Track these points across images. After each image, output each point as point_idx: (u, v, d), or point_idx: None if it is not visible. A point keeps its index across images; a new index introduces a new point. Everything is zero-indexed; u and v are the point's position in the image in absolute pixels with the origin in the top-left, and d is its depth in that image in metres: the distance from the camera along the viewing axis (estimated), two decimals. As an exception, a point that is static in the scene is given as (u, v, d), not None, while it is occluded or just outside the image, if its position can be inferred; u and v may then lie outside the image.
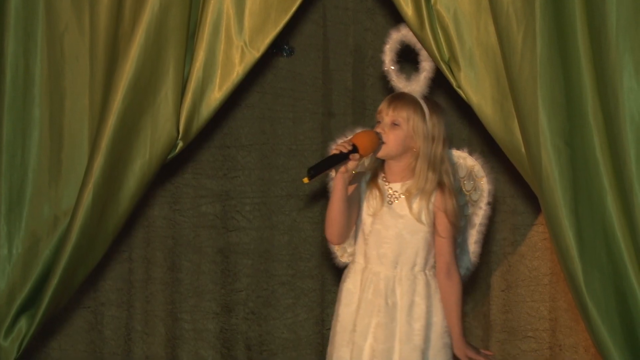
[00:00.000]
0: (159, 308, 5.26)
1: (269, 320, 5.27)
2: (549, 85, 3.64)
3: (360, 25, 5.15)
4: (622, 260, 3.64)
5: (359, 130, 3.81)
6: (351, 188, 3.82)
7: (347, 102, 5.21)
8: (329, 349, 3.92)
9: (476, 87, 3.83)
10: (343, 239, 3.86)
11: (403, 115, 3.81)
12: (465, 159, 3.95)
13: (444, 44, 3.85)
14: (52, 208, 4.09)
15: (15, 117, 4.07)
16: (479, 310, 5.17)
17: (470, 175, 3.95)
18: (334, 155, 3.67)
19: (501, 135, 3.82)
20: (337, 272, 4.09)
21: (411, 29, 3.88)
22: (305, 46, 5.20)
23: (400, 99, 3.83)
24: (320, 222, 4.86)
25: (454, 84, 3.87)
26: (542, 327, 5.07)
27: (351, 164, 3.71)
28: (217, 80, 4.02)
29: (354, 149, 3.68)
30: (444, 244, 3.83)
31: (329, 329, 3.95)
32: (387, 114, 3.81)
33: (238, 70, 4.01)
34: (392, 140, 3.79)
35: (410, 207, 3.82)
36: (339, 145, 3.70)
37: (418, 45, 3.89)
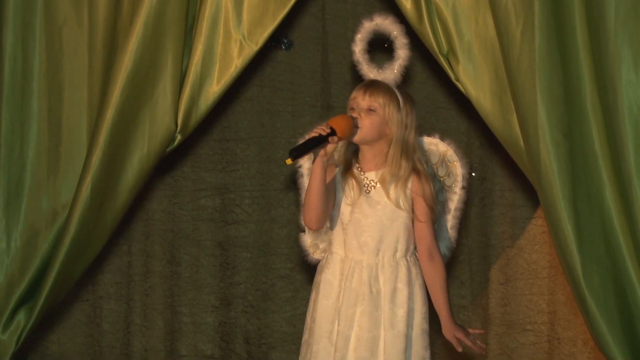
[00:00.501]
0: (157, 301, 5.26)
1: (267, 314, 5.27)
2: (547, 78, 3.64)
3: (359, 18, 5.13)
4: (621, 253, 3.64)
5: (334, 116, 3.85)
6: (327, 177, 3.84)
7: (346, 95, 5.17)
8: (305, 338, 3.92)
9: (475, 80, 3.83)
10: (321, 224, 3.87)
11: (379, 101, 3.83)
12: (437, 145, 3.97)
13: (442, 37, 3.85)
14: (50, 201, 4.08)
15: (14, 110, 4.07)
16: (478, 304, 5.17)
17: (443, 160, 3.96)
18: (314, 137, 3.72)
19: (500, 128, 3.82)
20: (308, 262, 4.09)
21: (410, 23, 3.88)
22: (304, 39, 5.20)
23: (376, 85, 3.85)
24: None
25: (453, 78, 3.87)
26: (540, 320, 5.08)
27: (329, 147, 3.74)
28: (216, 73, 4.01)
29: (332, 132, 3.72)
30: (424, 228, 3.85)
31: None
32: (363, 99, 3.83)
33: (236, 64, 4.00)
34: (367, 125, 3.82)
35: (387, 194, 3.84)
36: (317, 129, 3.73)
37: (394, 33, 3.89)
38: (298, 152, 3.69)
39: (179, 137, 4.04)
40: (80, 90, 4.08)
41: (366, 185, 3.87)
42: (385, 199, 3.84)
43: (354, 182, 3.86)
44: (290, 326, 5.27)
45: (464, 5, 3.81)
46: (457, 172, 3.95)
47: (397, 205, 3.84)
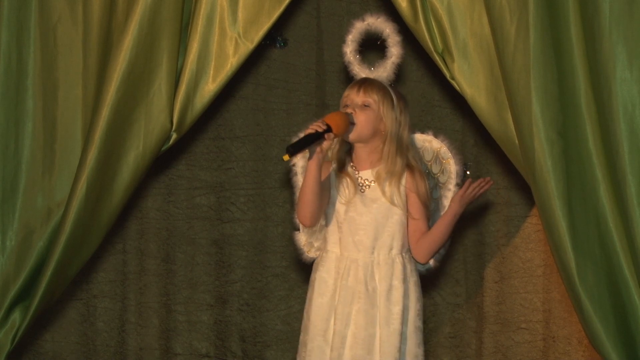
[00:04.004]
0: (152, 300, 5.26)
1: (263, 312, 5.27)
2: (542, 76, 3.65)
3: (354, 16, 5.13)
4: (615, 252, 3.65)
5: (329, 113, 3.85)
6: (323, 174, 3.85)
7: (340, 93, 5.16)
8: (301, 337, 3.93)
9: (470, 78, 3.83)
10: (315, 221, 3.87)
11: (374, 97, 3.84)
12: (430, 142, 3.98)
13: (437, 35, 3.85)
14: (45, 199, 4.08)
15: (8, 109, 4.06)
16: (473, 302, 5.17)
17: (437, 157, 3.97)
18: (310, 134, 3.72)
19: (495, 126, 3.82)
20: (302, 261, 4.09)
21: (405, 21, 3.88)
22: (299, 37, 5.20)
23: (370, 82, 3.87)
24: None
25: (448, 76, 3.87)
26: (535, 318, 5.08)
27: (325, 144, 3.75)
28: (211, 71, 4.01)
29: (328, 129, 3.72)
30: (418, 224, 3.86)
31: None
32: (357, 96, 3.84)
33: (232, 62, 4.00)
34: (363, 121, 3.82)
35: (383, 192, 3.84)
36: (313, 125, 3.73)
37: (386, 32, 3.90)
38: (295, 149, 3.70)
39: (174, 136, 4.04)
40: (75, 88, 4.08)
41: (361, 185, 3.87)
42: (381, 197, 3.85)
43: (349, 181, 3.87)
44: (285, 324, 5.27)
45: (459, 3, 3.81)
46: (451, 168, 3.96)
47: (392, 203, 3.84)
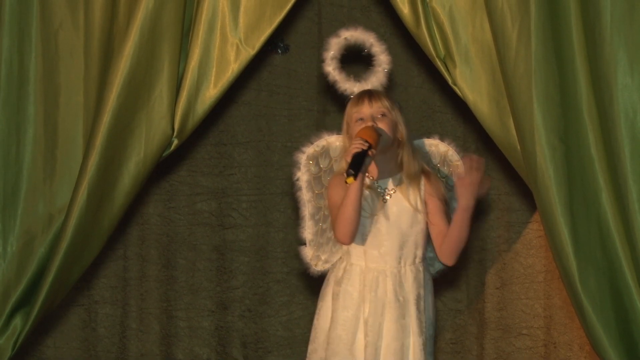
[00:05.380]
0: (154, 306, 5.26)
1: (264, 318, 5.27)
2: (543, 82, 3.65)
3: (355, 22, 5.14)
4: (617, 257, 3.64)
5: (358, 131, 3.82)
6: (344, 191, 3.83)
7: (342, 100, 5.20)
8: (314, 347, 3.90)
9: (472, 84, 3.83)
10: (353, 238, 3.85)
11: (386, 104, 3.83)
12: (437, 146, 3.97)
13: (439, 41, 3.85)
14: (46, 205, 4.08)
15: (10, 114, 4.06)
16: (474, 308, 5.17)
17: (445, 160, 3.96)
18: (357, 153, 3.68)
19: (497, 132, 3.82)
20: (309, 275, 4.08)
21: (407, 27, 3.88)
22: (301, 43, 5.20)
23: (375, 92, 3.86)
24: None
25: (450, 81, 3.87)
26: (536, 324, 5.08)
27: (369, 160, 3.74)
28: (212, 77, 4.01)
29: (370, 145, 3.70)
30: (442, 227, 3.84)
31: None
32: (371, 107, 3.82)
33: (233, 68, 4.00)
34: (387, 130, 3.81)
35: (407, 199, 3.83)
36: (355, 145, 3.69)
37: (369, 41, 3.89)
38: (355, 170, 3.66)
39: (175, 142, 4.04)
40: (76, 94, 4.08)
41: (382, 195, 3.86)
42: (404, 204, 3.83)
43: (371, 194, 3.84)
44: (287, 330, 5.26)
45: (461, 9, 3.81)
46: (459, 171, 3.95)
47: (416, 209, 3.83)
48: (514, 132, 3.76)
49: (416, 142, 3.95)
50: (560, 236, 3.66)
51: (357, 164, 3.67)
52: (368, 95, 3.84)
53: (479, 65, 3.82)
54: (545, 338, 5.06)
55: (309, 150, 3.95)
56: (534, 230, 5.06)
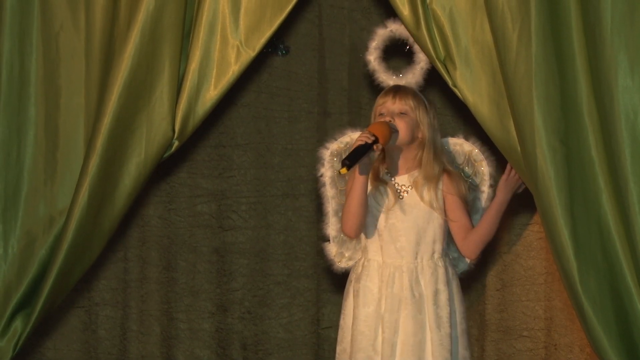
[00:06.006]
0: (154, 308, 5.25)
1: (264, 320, 5.26)
2: (544, 83, 3.65)
3: (356, 24, 5.15)
4: (618, 259, 3.64)
5: (370, 124, 3.84)
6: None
7: (342, 102, 5.20)
8: (343, 347, 3.90)
9: (472, 85, 3.83)
10: (359, 232, 3.87)
11: (410, 103, 3.84)
12: (462, 145, 3.98)
13: (439, 42, 3.85)
14: (47, 207, 4.08)
15: (11, 116, 4.06)
16: (475, 310, 5.17)
17: (469, 160, 3.97)
18: (360, 145, 3.70)
19: (498, 134, 3.82)
20: (333, 271, 4.09)
21: (407, 29, 3.88)
22: (301, 45, 5.20)
23: (404, 89, 3.87)
24: (316, 222, 4.86)
25: (450, 83, 3.88)
26: (537, 326, 5.07)
27: (374, 155, 3.74)
28: (213, 79, 4.02)
29: (376, 139, 3.71)
30: (462, 223, 3.86)
31: (325, 328, 3.95)
32: (394, 103, 3.84)
33: (234, 69, 4.01)
34: (403, 129, 3.83)
35: (421, 197, 3.84)
36: (361, 137, 3.71)
37: (411, 38, 3.90)
38: (351, 161, 3.67)
39: (176, 143, 4.04)
40: (77, 95, 4.08)
41: (399, 191, 3.87)
42: (420, 201, 3.84)
43: (387, 189, 3.86)
44: (287, 332, 5.26)
45: (461, 10, 3.82)
46: (484, 170, 3.96)
47: (432, 207, 3.84)
48: (514, 134, 3.76)
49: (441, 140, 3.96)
50: (561, 238, 3.66)
51: (355, 156, 3.68)
52: (394, 91, 3.86)
53: (479, 67, 3.82)
54: (545, 340, 5.06)
55: (333, 146, 3.96)
56: (534, 232, 5.05)
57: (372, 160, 3.77)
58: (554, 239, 3.69)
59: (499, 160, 4.24)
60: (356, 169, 3.77)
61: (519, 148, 3.75)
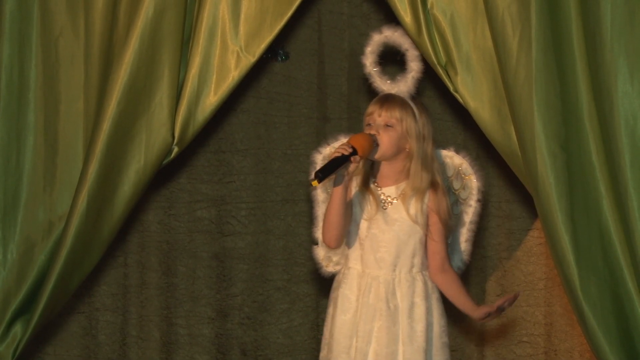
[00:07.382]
0: (154, 313, 5.25)
1: (264, 326, 5.27)
2: (544, 89, 3.65)
3: (355, 30, 5.15)
4: (619, 265, 3.64)
5: (353, 134, 3.84)
6: (347, 195, 3.84)
7: (342, 107, 5.21)
8: (324, 354, 3.91)
9: (473, 91, 3.83)
10: (340, 242, 3.86)
11: (396, 115, 3.82)
12: (452, 158, 3.97)
13: (440, 48, 3.85)
14: (47, 213, 4.08)
15: (10, 122, 4.06)
16: (475, 315, 5.16)
17: (458, 173, 3.96)
18: (337, 157, 3.70)
19: (499, 139, 3.82)
20: (333, 277, 4.09)
21: (408, 35, 3.88)
22: (301, 51, 5.20)
23: (391, 100, 3.85)
24: (316, 227, 4.86)
25: (451, 89, 3.87)
26: (537, 332, 5.07)
27: (351, 167, 3.73)
28: (213, 85, 4.01)
29: (354, 151, 3.71)
30: (437, 246, 3.85)
31: (324, 333, 3.94)
32: (380, 115, 3.83)
33: (233, 75, 4.01)
34: (386, 142, 3.81)
35: (407, 210, 3.83)
36: (339, 148, 3.72)
37: (404, 46, 3.90)
38: (323, 173, 3.67)
39: (176, 149, 4.04)
40: (76, 101, 4.08)
41: (383, 201, 3.86)
42: (404, 214, 3.83)
43: (371, 198, 3.85)
44: (287, 338, 5.26)
45: (462, 16, 3.82)
46: (472, 185, 3.94)
47: (415, 221, 3.83)
48: (515, 139, 3.76)
49: None
50: (561, 243, 3.66)
51: (329, 168, 3.68)
52: (381, 102, 3.84)
53: (480, 73, 3.82)
54: (545, 345, 5.06)
55: (326, 150, 3.96)
56: (534, 237, 5.06)
57: (349, 173, 3.75)
58: (555, 244, 3.68)
59: (500, 168, 4.25)
60: (332, 179, 3.77)
61: (519, 153, 3.75)
